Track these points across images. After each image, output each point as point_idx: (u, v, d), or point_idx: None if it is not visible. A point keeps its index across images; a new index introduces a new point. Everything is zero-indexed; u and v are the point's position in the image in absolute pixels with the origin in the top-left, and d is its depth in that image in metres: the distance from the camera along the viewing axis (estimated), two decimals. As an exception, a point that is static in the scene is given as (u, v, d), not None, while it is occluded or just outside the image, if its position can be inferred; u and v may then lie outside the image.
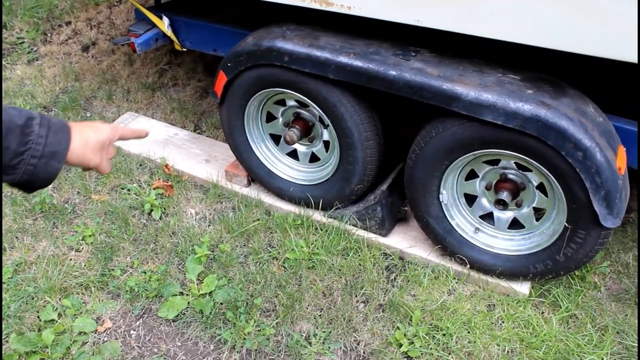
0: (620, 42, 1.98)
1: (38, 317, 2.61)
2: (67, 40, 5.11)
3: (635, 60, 1.99)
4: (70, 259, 2.92)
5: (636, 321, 2.61)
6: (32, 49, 5.09)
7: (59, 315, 2.62)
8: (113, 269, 2.88)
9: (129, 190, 3.39)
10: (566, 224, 2.40)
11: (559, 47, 2.11)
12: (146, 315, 2.69)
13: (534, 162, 2.32)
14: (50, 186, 3.44)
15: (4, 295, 2.71)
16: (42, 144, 1.16)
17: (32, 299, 2.69)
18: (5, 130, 1.10)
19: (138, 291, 2.76)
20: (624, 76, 2.94)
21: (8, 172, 1.14)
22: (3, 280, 2.78)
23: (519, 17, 2.11)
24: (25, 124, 1.14)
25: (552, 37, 2.09)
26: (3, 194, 3.30)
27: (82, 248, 3.00)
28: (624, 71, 2.83)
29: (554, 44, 2.11)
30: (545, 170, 2.31)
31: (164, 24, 3.42)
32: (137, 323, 2.66)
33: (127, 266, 2.91)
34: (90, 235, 3.05)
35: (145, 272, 2.86)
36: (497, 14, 2.15)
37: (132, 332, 2.62)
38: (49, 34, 5.23)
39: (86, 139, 1.28)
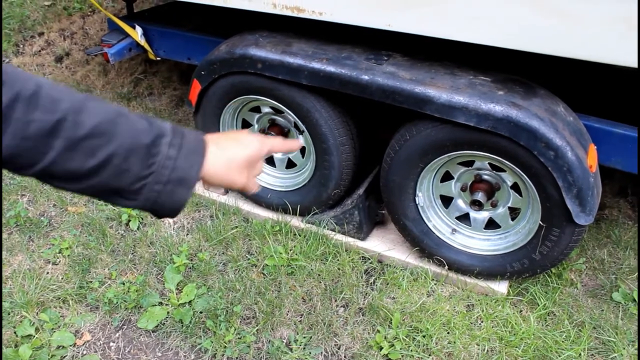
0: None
1: (15, 332, 2.57)
2: (40, 51, 5.07)
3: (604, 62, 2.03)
4: (47, 273, 2.89)
5: (612, 315, 2.64)
6: (4, 61, 5.04)
7: (37, 329, 2.59)
8: (91, 281, 2.85)
9: (105, 201, 3.36)
10: (541, 222, 2.43)
11: (524, 48, 2.15)
12: (125, 327, 2.67)
13: (507, 162, 2.35)
14: (26, 199, 3.40)
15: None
16: (169, 167, 0.97)
17: (9, 314, 2.66)
18: (128, 151, 0.93)
19: (117, 302, 2.74)
20: (595, 76, 2.99)
21: (128, 196, 0.97)
22: (-21, 296, 2.74)
23: (488, 20, 2.14)
24: (152, 142, 0.96)
25: (520, 39, 2.13)
26: (-23, 209, 3.27)
27: (59, 261, 2.97)
28: (594, 71, 2.89)
29: (521, 46, 2.15)
30: (519, 170, 2.34)
31: (137, 34, 3.41)
32: (117, 335, 2.63)
33: (105, 278, 2.88)
34: (67, 248, 3.02)
35: (123, 283, 2.84)
36: (466, 18, 2.18)
37: (111, 344, 2.60)
38: (22, 45, 5.18)
39: (229, 157, 1.08)
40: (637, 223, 3.15)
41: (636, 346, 2.50)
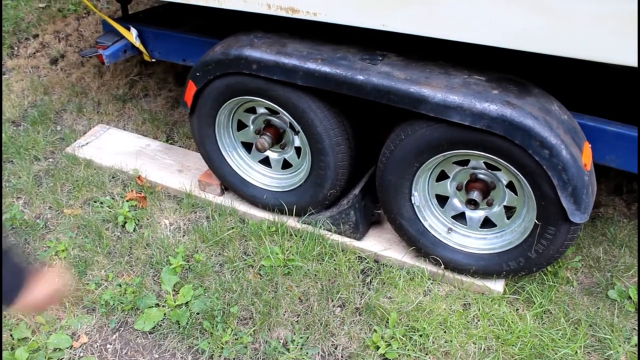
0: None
1: (11, 335, 2.57)
2: (34, 53, 5.06)
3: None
4: (43, 275, 2.88)
5: (607, 313, 2.65)
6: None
7: (33, 332, 2.59)
8: (87, 283, 2.85)
9: (101, 203, 3.36)
10: (536, 221, 2.43)
11: (519, 47, 2.16)
12: (122, 329, 2.67)
13: (502, 161, 2.35)
14: (21, 201, 3.40)
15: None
16: (7, 278, 1.39)
17: (5, 317, 2.65)
18: None
19: (113, 304, 2.74)
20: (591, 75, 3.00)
21: None
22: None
23: (483, 20, 2.15)
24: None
25: (513, 38, 2.14)
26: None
27: (55, 263, 2.97)
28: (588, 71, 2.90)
29: (515, 45, 2.16)
30: (514, 169, 2.35)
31: (132, 35, 3.40)
32: (114, 337, 2.63)
33: (101, 280, 2.88)
34: (63, 250, 3.02)
35: (120, 285, 2.84)
36: (461, 17, 2.19)
37: (108, 346, 2.60)
38: (16, 48, 5.16)
39: (36, 294, 1.47)
40: (637, 221, 3.15)
41: (632, 343, 2.51)
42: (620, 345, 2.50)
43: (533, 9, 2.04)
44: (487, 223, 2.71)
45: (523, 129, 2.19)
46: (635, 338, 2.53)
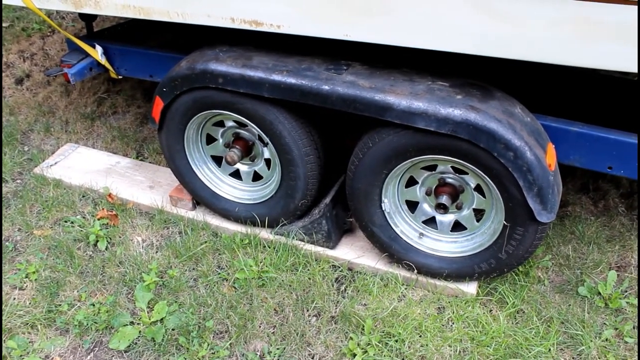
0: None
1: (-17, 361, 2.53)
2: (-1, 74, 5.00)
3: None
4: (14, 298, 2.84)
5: (578, 309, 2.70)
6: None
7: (4, 357, 2.55)
8: (60, 304, 2.81)
9: (72, 222, 3.32)
10: (505, 222, 2.47)
11: (476, 52, 2.21)
12: (97, 349, 2.64)
13: (468, 164, 2.39)
14: (-10, 225, 3.35)
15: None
16: None
17: (-24, 342, 2.61)
18: None
19: (87, 324, 2.71)
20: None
21: None
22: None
23: (443, 28, 2.19)
24: None
25: (472, 44, 2.19)
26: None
27: (26, 286, 2.92)
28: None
29: (472, 50, 2.21)
30: (480, 172, 2.39)
31: (97, 53, 3.38)
32: (88, 357, 2.60)
33: (74, 300, 2.85)
34: (34, 272, 2.98)
35: (93, 305, 2.81)
36: (417, 26, 2.23)
37: (83, 367, 2.57)
38: (-20, 69, 5.10)
39: None
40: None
41: (602, 338, 2.56)
42: (591, 341, 2.54)
43: (491, 15, 2.09)
44: (457, 226, 2.75)
45: (487, 132, 2.23)
46: (606, 333, 2.58)
